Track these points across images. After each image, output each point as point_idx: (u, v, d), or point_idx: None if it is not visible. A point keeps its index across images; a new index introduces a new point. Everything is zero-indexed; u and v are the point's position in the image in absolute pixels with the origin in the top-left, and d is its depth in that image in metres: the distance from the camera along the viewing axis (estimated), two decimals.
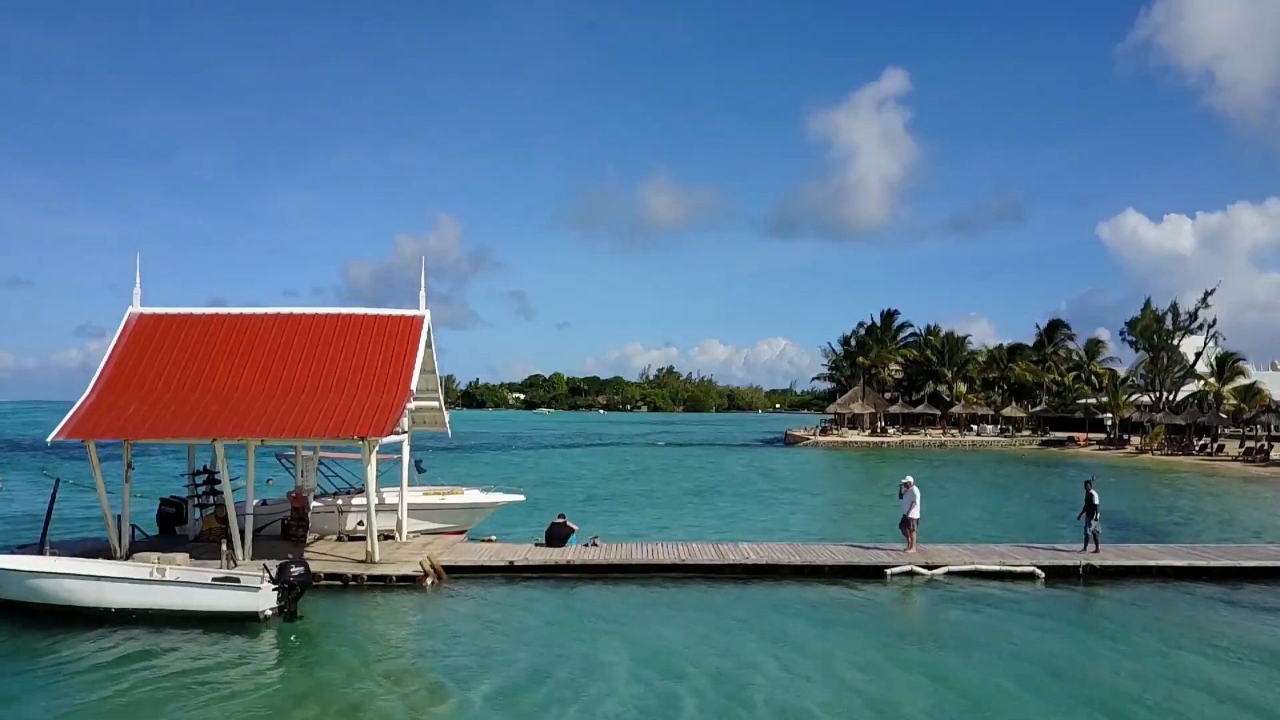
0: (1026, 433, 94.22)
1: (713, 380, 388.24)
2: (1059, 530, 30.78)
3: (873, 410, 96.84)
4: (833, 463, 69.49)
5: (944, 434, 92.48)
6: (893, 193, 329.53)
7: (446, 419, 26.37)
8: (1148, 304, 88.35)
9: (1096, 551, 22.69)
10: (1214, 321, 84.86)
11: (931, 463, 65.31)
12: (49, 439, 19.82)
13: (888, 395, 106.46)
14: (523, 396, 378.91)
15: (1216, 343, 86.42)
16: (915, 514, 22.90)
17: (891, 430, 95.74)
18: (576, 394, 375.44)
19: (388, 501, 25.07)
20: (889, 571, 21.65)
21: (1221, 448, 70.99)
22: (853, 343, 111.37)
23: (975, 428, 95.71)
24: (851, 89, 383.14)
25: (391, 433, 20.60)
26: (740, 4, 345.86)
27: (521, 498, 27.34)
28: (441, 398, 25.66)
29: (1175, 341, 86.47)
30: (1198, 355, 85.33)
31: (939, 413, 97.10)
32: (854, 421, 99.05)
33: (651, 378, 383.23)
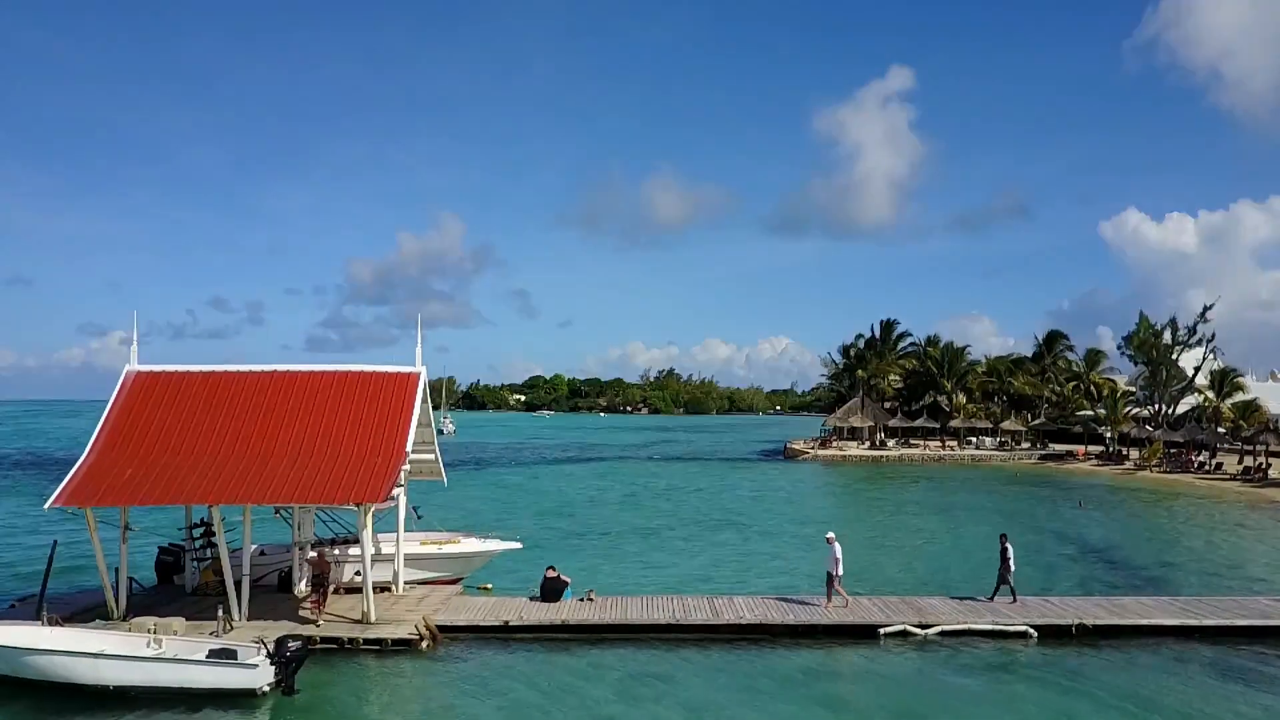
0: (1025, 445, 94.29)
1: (714, 381, 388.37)
2: (1054, 574, 30.90)
3: (872, 423, 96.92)
4: (831, 483, 69.57)
5: (943, 448, 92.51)
6: (897, 190, 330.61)
7: (443, 469, 26.45)
8: (1143, 317, 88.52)
9: (1014, 602, 23.44)
10: (1213, 336, 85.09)
11: (928, 483, 65.40)
12: (46, 505, 19.94)
13: (887, 405, 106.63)
14: (523, 398, 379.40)
15: (1215, 356, 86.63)
16: (838, 570, 23.14)
17: (891, 443, 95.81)
18: (577, 395, 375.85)
19: (384, 552, 25.21)
20: (882, 631, 21.76)
21: (1220, 465, 71.02)
22: (852, 354, 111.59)
23: (974, 441, 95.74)
24: (856, 86, 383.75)
25: (388, 498, 20.72)
26: (744, 2, 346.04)
27: (518, 545, 27.50)
28: (438, 450, 25.77)
29: (1174, 356, 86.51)
30: (1196, 369, 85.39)
31: (938, 426, 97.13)
32: (853, 433, 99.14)
33: (653, 379, 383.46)
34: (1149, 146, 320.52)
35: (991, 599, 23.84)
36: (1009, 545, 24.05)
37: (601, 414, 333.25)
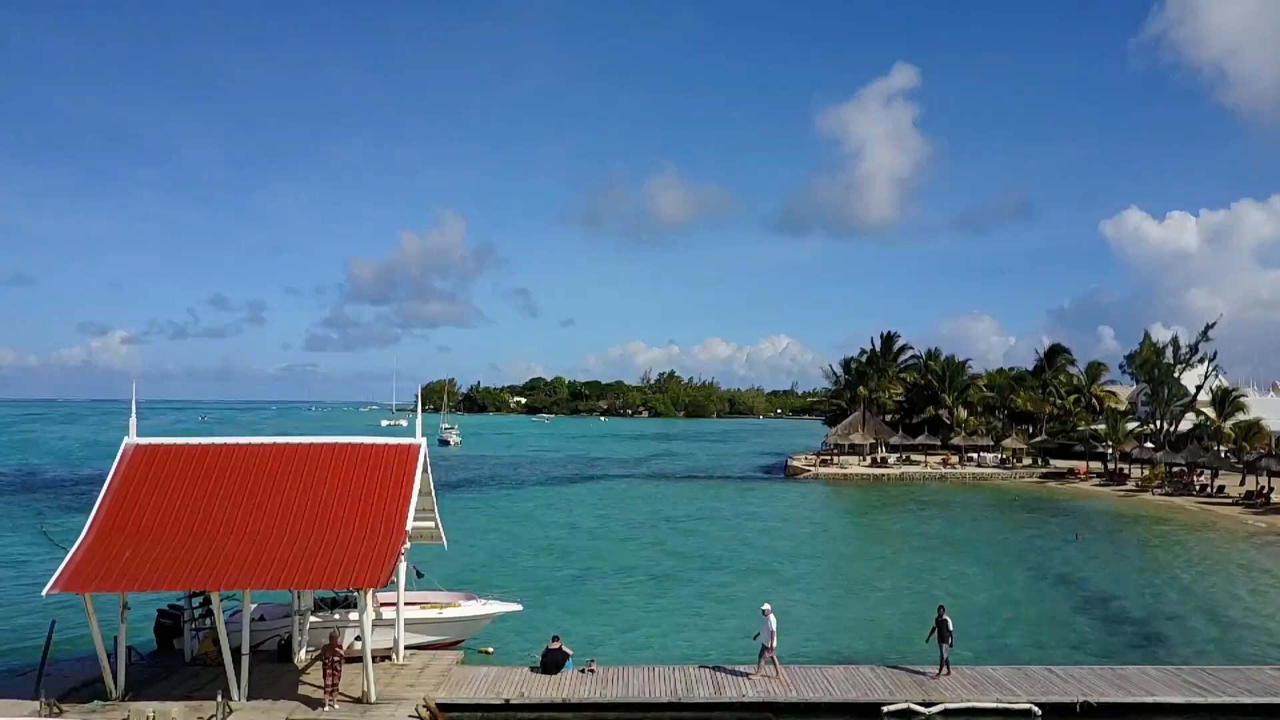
0: (1027, 462, 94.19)
1: (715, 383, 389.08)
2: (1052, 627, 30.65)
3: (873, 439, 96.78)
4: (832, 511, 69.41)
5: (944, 465, 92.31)
6: (900, 189, 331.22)
7: (443, 533, 26.30)
8: (1147, 337, 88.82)
9: (949, 675, 23.15)
10: (1214, 355, 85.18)
11: (929, 509, 65.19)
12: (44, 592, 19.77)
13: (888, 418, 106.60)
14: (524, 400, 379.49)
15: (1217, 374, 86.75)
16: (773, 643, 23.08)
17: (892, 459, 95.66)
18: (578, 398, 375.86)
19: (384, 617, 25.09)
20: (885, 710, 21.63)
21: (1222, 488, 70.85)
22: (853, 368, 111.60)
23: (975, 457, 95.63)
24: (860, 84, 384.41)
25: (388, 582, 20.59)
26: (748, 1, 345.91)
27: (518, 607, 27.43)
28: (438, 519, 25.63)
29: (1176, 374, 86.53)
30: (1198, 388, 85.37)
31: (939, 443, 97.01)
32: (854, 448, 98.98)
33: (653, 381, 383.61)
34: (1151, 145, 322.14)
35: (940, 672, 23.51)
36: (948, 618, 23.85)
37: (602, 418, 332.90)
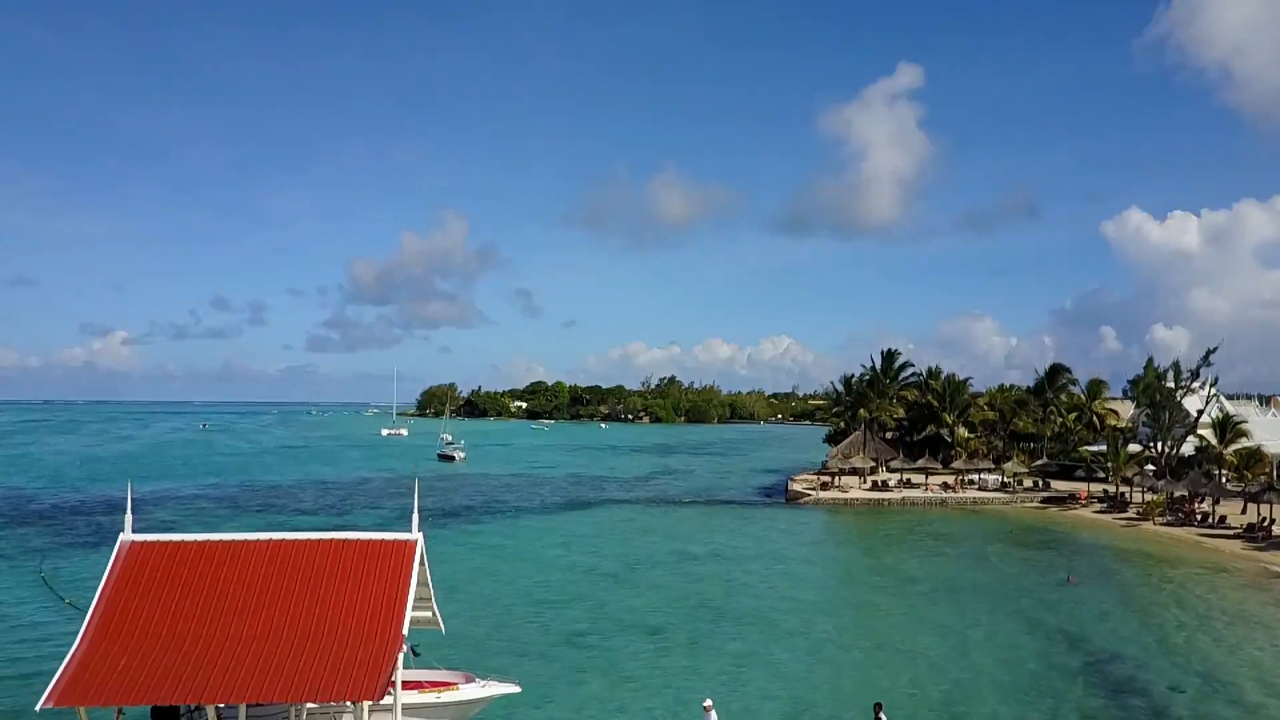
0: (1028, 485, 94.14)
1: (715, 387, 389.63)
2: (1041, 697, 30.26)
3: (874, 462, 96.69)
4: (833, 544, 69.38)
5: (945, 488, 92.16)
6: (904, 189, 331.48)
7: (440, 620, 26.21)
8: (1150, 362, 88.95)
9: None
10: (1215, 380, 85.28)
11: (927, 542, 65.09)
12: (38, 707, 19.63)
13: (888, 436, 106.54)
14: (524, 405, 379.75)
15: (1218, 399, 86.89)
16: None
17: (893, 482, 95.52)
18: (578, 403, 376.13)
19: (383, 701, 24.98)
20: None
21: (1223, 518, 70.75)
22: (854, 387, 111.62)
23: (976, 480, 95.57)
24: (864, 84, 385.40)
25: (384, 696, 20.48)
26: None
27: (517, 689, 27.32)
28: (435, 607, 25.54)
29: (1178, 397, 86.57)
30: (1200, 412, 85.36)
31: (940, 466, 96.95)
32: (855, 469, 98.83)
33: (654, 385, 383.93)
34: (1153, 145, 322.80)
35: None
36: (884, 715, 23.79)
37: (602, 424, 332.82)
